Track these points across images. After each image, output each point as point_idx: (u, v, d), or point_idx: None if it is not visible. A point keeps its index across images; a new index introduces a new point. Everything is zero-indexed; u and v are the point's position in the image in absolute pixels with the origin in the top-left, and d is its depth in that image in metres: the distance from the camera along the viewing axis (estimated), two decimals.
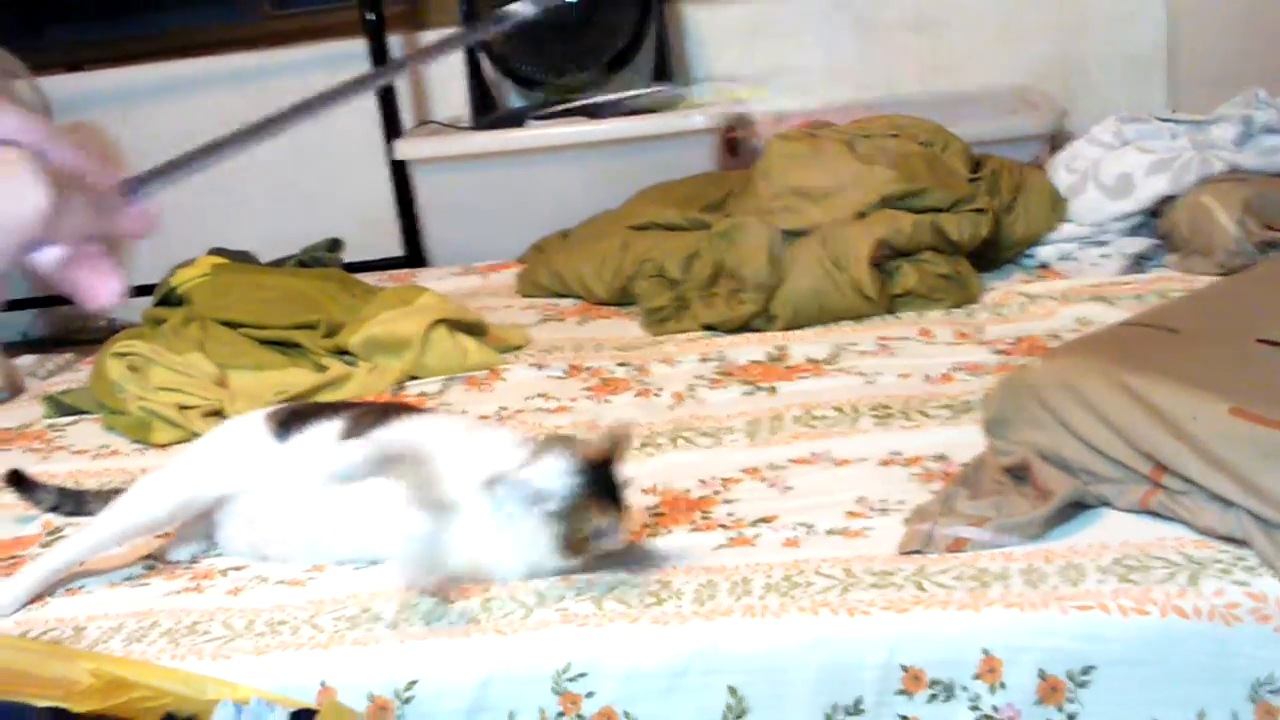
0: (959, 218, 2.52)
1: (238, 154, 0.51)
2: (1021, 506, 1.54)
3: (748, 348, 2.34)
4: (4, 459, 2.13)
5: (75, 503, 1.83)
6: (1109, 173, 2.65)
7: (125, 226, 0.47)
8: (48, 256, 0.46)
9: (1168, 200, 2.56)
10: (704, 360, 2.31)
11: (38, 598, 1.61)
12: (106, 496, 1.78)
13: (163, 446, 2.13)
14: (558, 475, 1.46)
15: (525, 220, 3.04)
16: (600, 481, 1.48)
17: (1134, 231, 2.62)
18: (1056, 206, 2.66)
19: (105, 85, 3.47)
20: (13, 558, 1.76)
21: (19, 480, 1.85)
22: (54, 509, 1.84)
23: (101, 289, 0.47)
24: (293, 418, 1.70)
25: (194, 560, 1.69)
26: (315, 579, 1.60)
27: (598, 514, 1.46)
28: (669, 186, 2.95)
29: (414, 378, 2.35)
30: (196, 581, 1.64)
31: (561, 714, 1.41)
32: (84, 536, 1.66)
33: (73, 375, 2.63)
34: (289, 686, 1.34)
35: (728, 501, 1.72)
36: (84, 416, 2.33)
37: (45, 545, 1.78)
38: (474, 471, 1.50)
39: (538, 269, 2.85)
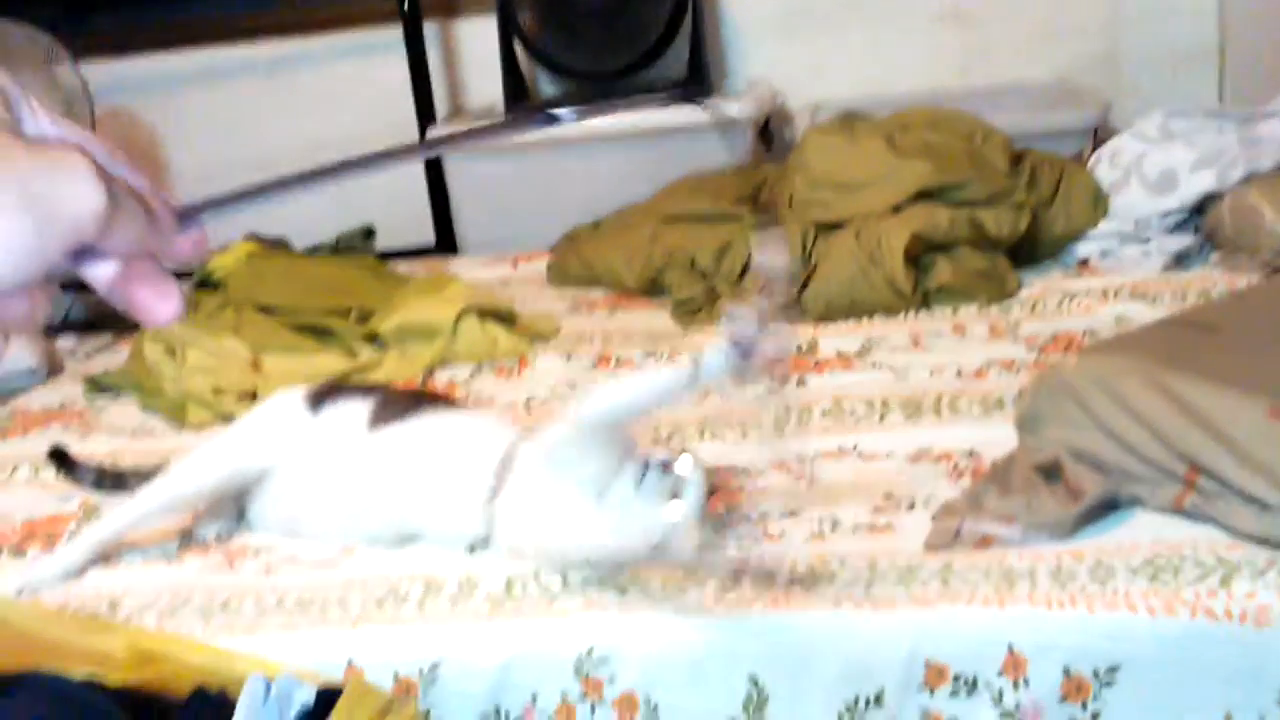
0: (997, 212, 2.49)
1: (290, 195, 0.51)
2: (1052, 505, 1.52)
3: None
4: (44, 437, 2.17)
5: (116, 481, 1.86)
6: (1153, 168, 2.61)
7: (177, 249, 0.47)
8: (103, 271, 0.45)
9: (1213, 197, 2.51)
10: None
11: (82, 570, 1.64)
12: (146, 475, 1.81)
13: (198, 428, 2.15)
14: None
15: (557, 210, 3.04)
16: None
17: (1177, 229, 2.59)
18: (1098, 202, 2.63)
19: (144, 71, 3.51)
20: (50, 535, 1.78)
21: (61, 458, 1.88)
22: (95, 487, 1.87)
23: (160, 306, 0.46)
24: (327, 393, 1.74)
25: (219, 538, 1.71)
26: (346, 559, 1.62)
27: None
28: (702, 178, 2.95)
29: (444, 364, 2.36)
30: (229, 559, 1.65)
31: (584, 697, 1.42)
32: (129, 509, 1.69)
33: (111, 357, 2.66)
34: (317, 664, 1.35)
35: (754, 494, 1.72)
36: (121, 396, 2.36)
37: (81, 523, 1.81)
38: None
39: (568, 259, 2.85)
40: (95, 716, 1.14)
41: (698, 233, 2.67)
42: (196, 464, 1.71)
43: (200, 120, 3.51)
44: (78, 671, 1.21)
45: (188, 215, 0.47)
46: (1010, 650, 1.35)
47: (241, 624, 1.47)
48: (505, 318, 2.46)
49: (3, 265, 0.40)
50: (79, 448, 1.99)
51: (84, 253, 0.43)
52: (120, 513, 1.69)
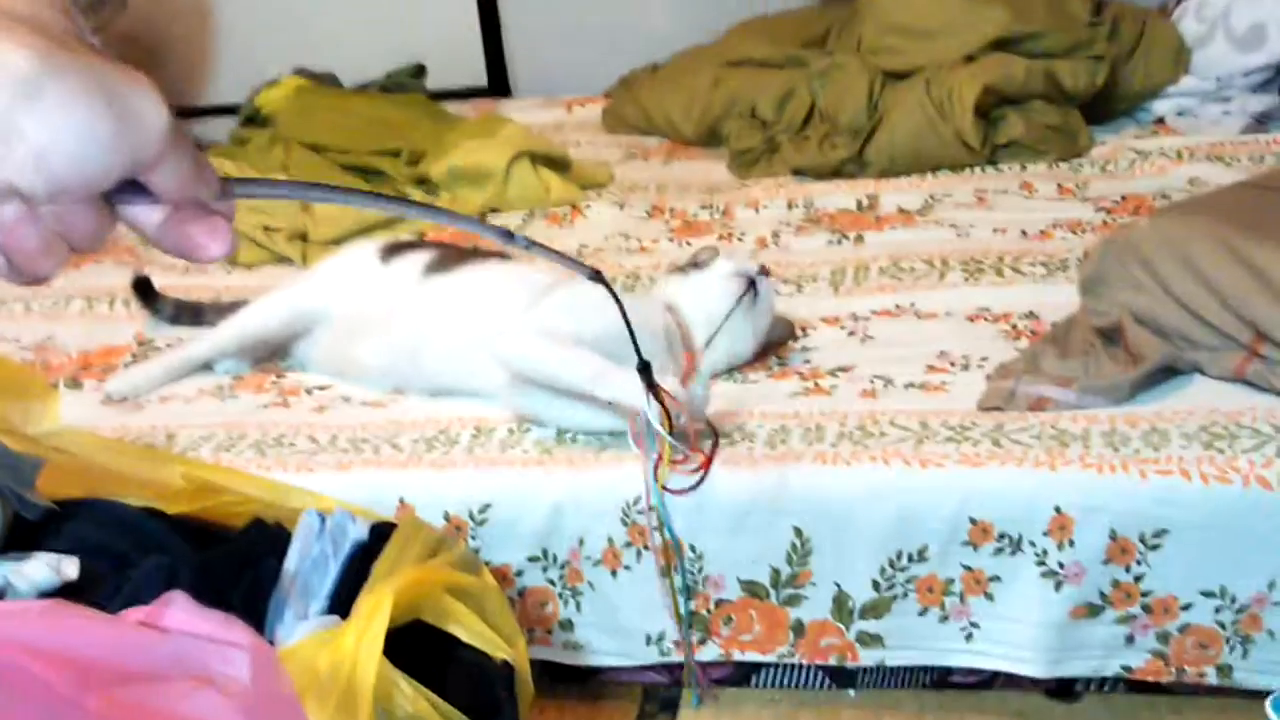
0: (1074, 64, 2.39)
1: (331, 200, 0.50)
2: (1110, 369, 1.50)
3: (837, 195, 2.28)
4: (96, 271, 2.19)
5: (193, 314, 1.91)
6: (1241, 22, 2.48)
7: (214, 208, 0.46)
8: (151, 215, 0.45)
9: None
10: (791, 206, 2.26)
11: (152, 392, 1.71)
12: (221, 309, 1.86)
13: (248, 266, 2.16)
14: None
15: (614, 52, 2.95)
16: None
17: (1261, 88, 2.47)
18: (1180, 57, 2.51)
19: None
20: (106, 367, 1.82)
21: (144, 289, 1.92)
22: (173, 320, 1.91)
23: (212, 242, 0.46)
24: (400, 247, 1.78)
25: (232, 376, 1.75)
26: (396, 401, 1.64)
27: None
28: (767, 21, 2.84)
29: (495, 210, 2.34)
30: (283, 397, 1.68)
31: (629, 544, 1.44)
32: (204, 342, 1.76)
33: None
34: (369, 501, 1.38)
35: (805, 349, 1.71)
36: None
37: (135, 356, 1.84)
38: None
39: (624, 105, 2.78)
40: (153, 542, 1.18)
41: (760, 79, 2.59)
42: (272, 304, 1.76)
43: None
44: (136, 499, 1.24)
45: (225, 187, 0.47)
46: (1057, 511, 1.35)
47: (295, 460, 1.51)
48: (558, 164, 2.43)
49: (86, 154, 0.40)
50: (130, 282, 2.01)
51: (135, 190, 0.43)
52: (194, 346, 1.76)
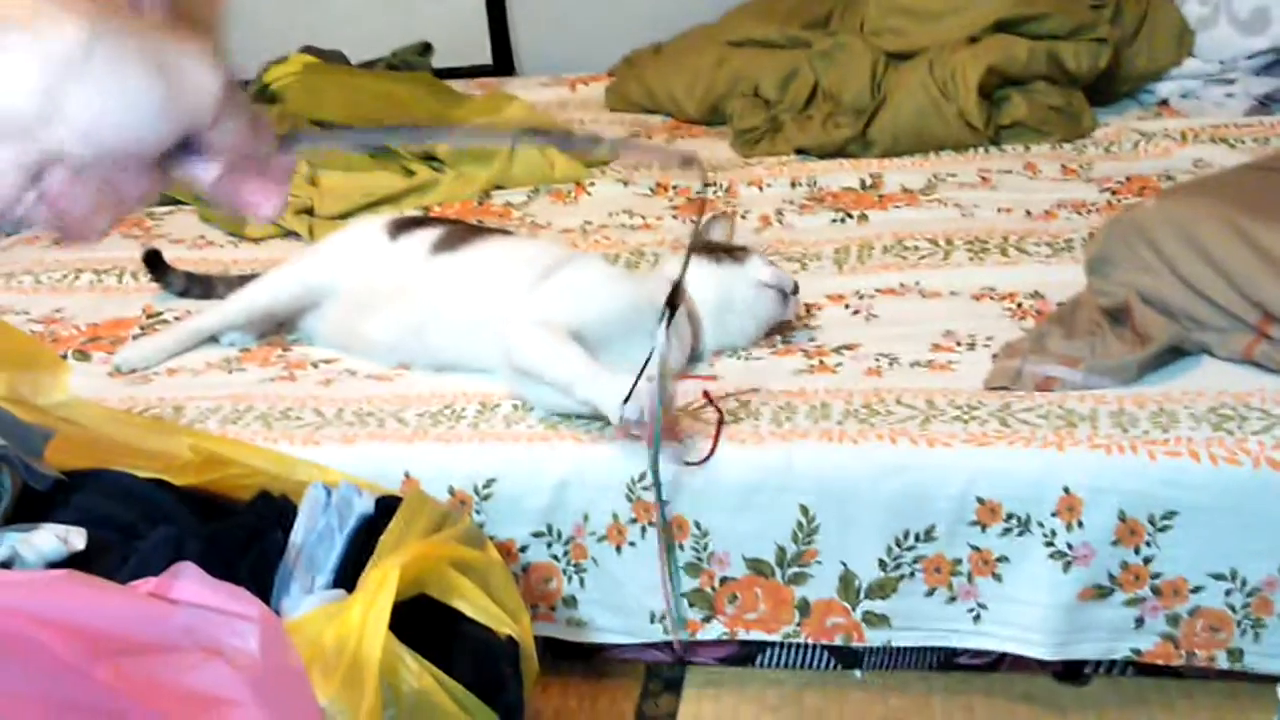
0: (1078, 46, 2.38)
1: (394, 142, 0.50)
2: (1117, 349, 1.50)
3: (841, 174, 2.28)
4: (104, 244, 2.18)
5: (202, 287, 1.90)
6: (1244, 5, 2.47)
7: (272, 166, 0.47)
8: (208, 171, 0.45)
9: None
10: (794, 185, 2.25)
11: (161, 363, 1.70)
12: (231, 282, 1.86)
13: (256, 240, 2.16)
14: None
15: (618, 31, 2.94)
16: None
17: (1265, 71, 2.46)
18: (1183, 40, 2.50)
19: None
20: (114, 339, 1.81)
21: (154, 262, 1.91)
22: (183, 293, 1.91)
23: (265, 201, 0.47)
24: (407, 223, 1.77)
25: (239, 349, 1.74)
26: (401, 375, 1.63)
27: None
28: (770, 1, 2.83)
29: (500, 187, 2.33)
30: (290, 370, 1.68)
31: (633, 521, 1.44)
32: (212, 314, 1.75)
33: None
34: (375, 474, 1.37)
35: (810, 327, 1.70)
36: (181, 207, 2.36)
37: (144, 328, 1.83)
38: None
39: (628, 83, 2.77)
40: (160, 513, 1.17)
41: (763, 59, 2.58)
42: (281, 278, 1.76)
43: None
44: (144, 471, 1.24)
45: (284, 141, 0.47)
46: (1066, 492, 1.35)
47: (302, 433, 1.50)
48: None
49: (133, 122, 0.40)
50: (139, 256, 2.01)
51: (190, 149, 0.43)
52: (202, 318, 1.76)
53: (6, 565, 1.04)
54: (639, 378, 1.30)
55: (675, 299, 0.97)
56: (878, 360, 1.59)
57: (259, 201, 0.46)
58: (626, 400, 1.31)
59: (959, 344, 1.61)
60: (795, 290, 1.63)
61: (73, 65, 0.39)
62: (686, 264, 1.12)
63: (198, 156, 0.44)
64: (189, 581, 0.94)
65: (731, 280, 1.60)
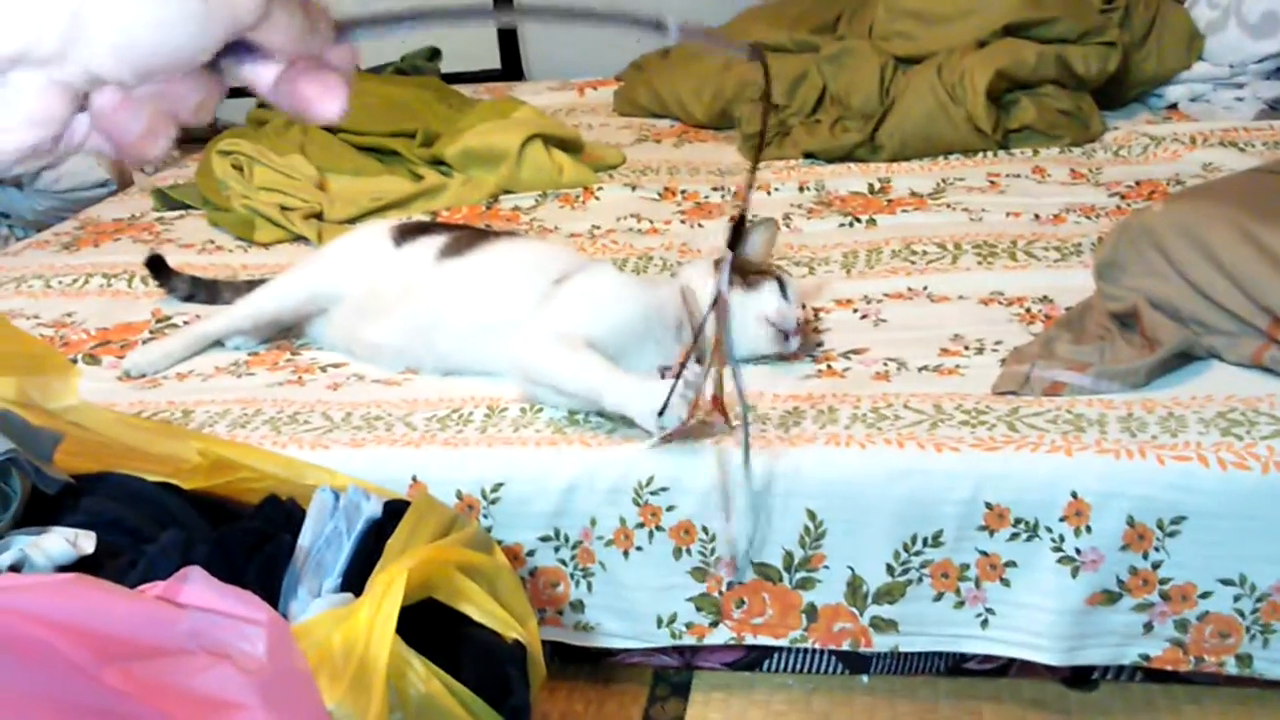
0: (1086, 50, 2.38)
1: (443, 23, 0.49)
2: (1126, 354, 1.49)
3: (849, 178, 2.28)
4: (114, 249, 2.19)
5: (208, 292, 1.91)
6: (1253, 9, 2.47)
7: (331, 57, 0.45)
8: (265, 71, 0.44)
9: None
10: (802, 189, 2.25)
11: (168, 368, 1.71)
12: (238, 287, 1.87)
13: (265, 245, 2.16)
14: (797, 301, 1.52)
15: (626, 36, 2.95)
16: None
17: (1275, 75, 2.46)
18: (1193, 44, 2.50)
19: None
20: (123, 343, 1.82)
21: (158, 267, 1.91)
22: (187, 298, 1.92)
23: (327, 100, 0.45)
24: (412, 229, 1.77)
25: (247, 353, 1.75)
26: (409, 380, 1.64)
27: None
28: (778, 5, 2.83)
29: (508, 191, 2.34)
30: (298, 375, 1.68)
31: (641, 525, 1.44)
32: (220, 319, 1.76)
33: (179, 170, 2.67)
34: (383, 478, 1.37)
35: (818, 332, 1.70)
36: (191, 211, 2.37)
37: (154, 332, 1.84)
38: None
39: (636, 88, 2.78)
40: (169, 517, 1.17)
41: (771, 63, 2.57)
42: (287, 285, 1.77)
43: None
44: (153, 475, 1.24)
45: (343, 29, 0.46)
46: (1074, 497, 1.34)
47: (310, 437, 1.50)
48: (571, 146, 2.42)
49: (166, 37, 0.39)
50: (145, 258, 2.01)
51: (245, 50, 0.42)
52: (209, 323, 1.77)
53: (16, 568, 1.05)
54: (673, 387, 1.31)
55: (718, 304, 0.98)
56: (886, 365, 1.58)
57: (320, 100, 0.45)
58: (663, 411, 1.32)
59: (967, 348, 1.61)
60: (798, 331, 1.57)
61: None
62: (729, 270, 1.10)
63: (252, 57, 0.43)
64: (197, 585, 0.94)
65: (738, 305, 1.53)
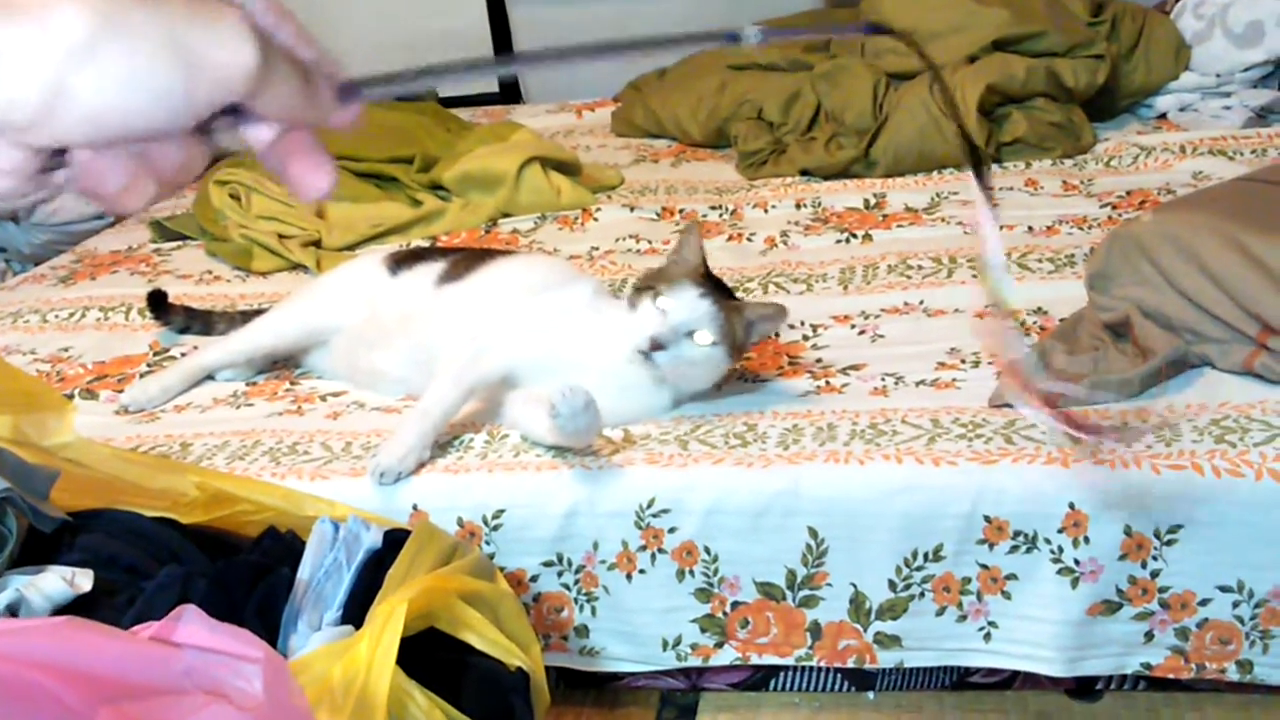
0: (1075, 63, 2.39)
1: (458, 78, 0.50)
2: (1120, 364, 1.50)
3: (845, 194, 2.29)
4: (112, 281, 2.20)
5: (203, 323, 1.91)
6: (1238, 19, 2.48)
7: (333, 122, 0.46)
8: (260, 134, 0.44)
9: None
10: (799, 206, 2.26)
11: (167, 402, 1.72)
12: (232, 318, 1.89)
13: (263, 274, 2.17)
14: (692, 304, 1.46)
15: (622, 57, 2.96)
16: (715, 282, 1.51)
17: (1261, 83, 2.47)
18: (1179, 54, 2.51)
19: None
20: (120, 376, 1.82)
21: (158, 302, 1.92)
22: (184, 330, 1.92)
23: (313, 179, 0.45)
24: (408, 257, 1.78)
25: (245, 383, 1.76)
26: (409, 407, 1.64)
27: (745, 310, 1.49)
28: (771, 24, 2.85)
29: (507, 215, 2.35)
30: (297, 404, 1.69)
31: (643, 548, 1.44)
32: (216, 352, 1.77)
33: (176, 201, 2.67)
34: (383, 507, 1.38)
35: (816, 348, 1.71)
36: (188, 242, 2.38)
37: (151, 365, 1.85)
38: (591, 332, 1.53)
39: (634, 108, 2.79)
40: (167, 552, 1.18)
41: (766, 82, 2.60)
42: (284, 319, 1.77)
43: None
44: (151, 510, 1.24)
45: (350, 90, 0.46)
46: (1072, 508, 1.35)
47: (310, 467, 1.51)
48: (569, 168, 2.43)
49: (145, 109, 0.39)
50: (146, 293, 2.02)
51: (240, 112, 0.42)
52: (206, 354, 1.77)
53: (13, 610, 1.05)
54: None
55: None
56: (883, 380, 1.59)
57: (305, 179, 0.45)
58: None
59: (963, 362, 1.62)
60: (663, 346, 1.44)
61: (74, 57, 0.38)
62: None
63: (248, 120, 0.43)
64: (192, 624, 0.95)
65: (614, 321, 1.51)
